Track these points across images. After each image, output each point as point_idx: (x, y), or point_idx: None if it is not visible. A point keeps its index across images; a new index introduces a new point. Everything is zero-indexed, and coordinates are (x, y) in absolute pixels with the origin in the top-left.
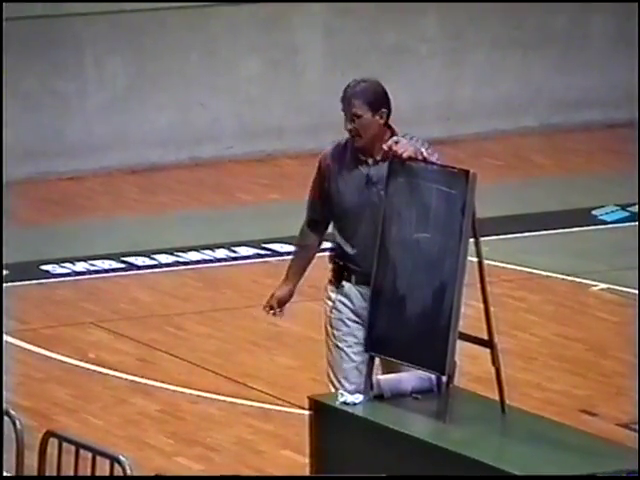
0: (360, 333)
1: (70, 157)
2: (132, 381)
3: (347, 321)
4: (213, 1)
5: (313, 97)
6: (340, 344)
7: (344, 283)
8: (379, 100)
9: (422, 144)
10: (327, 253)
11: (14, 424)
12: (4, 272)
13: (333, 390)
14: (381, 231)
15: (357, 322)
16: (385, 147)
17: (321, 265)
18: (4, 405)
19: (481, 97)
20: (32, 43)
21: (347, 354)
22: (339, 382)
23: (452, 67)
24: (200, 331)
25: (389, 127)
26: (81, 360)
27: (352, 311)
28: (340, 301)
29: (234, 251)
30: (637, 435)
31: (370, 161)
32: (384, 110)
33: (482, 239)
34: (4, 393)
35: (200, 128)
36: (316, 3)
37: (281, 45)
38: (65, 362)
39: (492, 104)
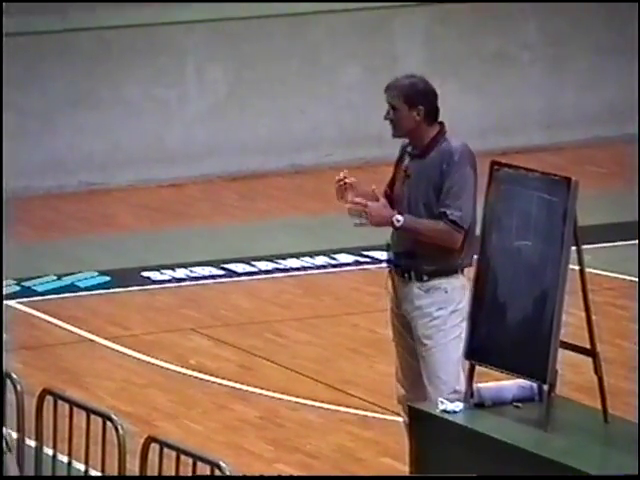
0: (400, 327)
1: (170, 164)
2: (232, 387)
3: (391, 316)
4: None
5: None
6: (391, 334)
7: (389, 276)
8: (416, 96)
9: (461, 152)
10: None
11: (116, 429)
12: (106, 278)
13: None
14: (481, 238)
15: (396, 313)
16: (357, 208)
17: None
18: (106, 410)
19: (583, 104)
20: (134, 51)
21: (396, 346)
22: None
23: (554, 74)
24: (299, 338)
25: (440, 124)
26: (182, 366)
27: (392, 304)
28: (388, 293)
29: (334, 258)
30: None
31: (412, 154)
32: (421, 107)
33: (584, 247)
34: (108, 399)
35: (300, 135)
36: (417, 10)
37: (381, 52)
38: (166, 368)
39: (595, 111)
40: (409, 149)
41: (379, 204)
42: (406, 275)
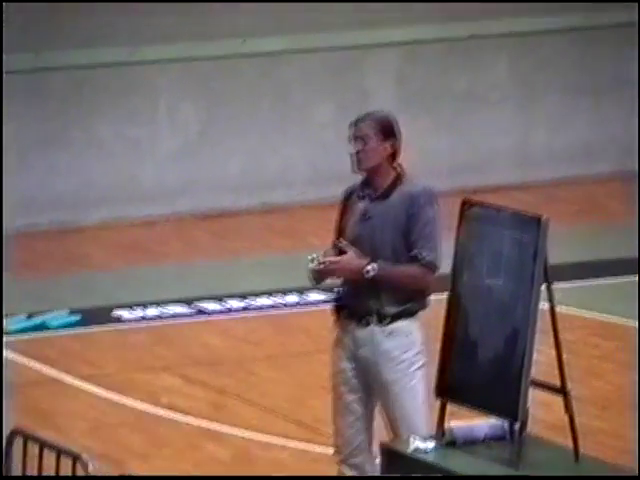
0: (352, 376)
1: (143, 202)
2: (204, 426)
3: (337, 360)
4: None
5: None
6: (332, 382)
7: (337, 319)
8: (388, 129)
9: (425, 194)
10: None
11: (86, 469)
12: (77, 317)
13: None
14: (452, 277)
15: (345, 359)
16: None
17: None
18: (76, 450)
19: (554, 143)
20: (106, 90)
21: (340, 398)
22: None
23: (524, 113)
24: (271, 376)
25: (399, 166)
26: (153, 405)
27: (341, 348)
28: (335, 338)
29: (305, 296)
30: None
31: (370, 196)
32: (391, 142)
33: (555, 285)
34: (80, 439)
35: (271, 174)
36: (387, 48)
37: (353, 90)
38: (137, 407)
39: (565, 150)
40: (363, 192)
41: (348, 256)
42: (364, 319)
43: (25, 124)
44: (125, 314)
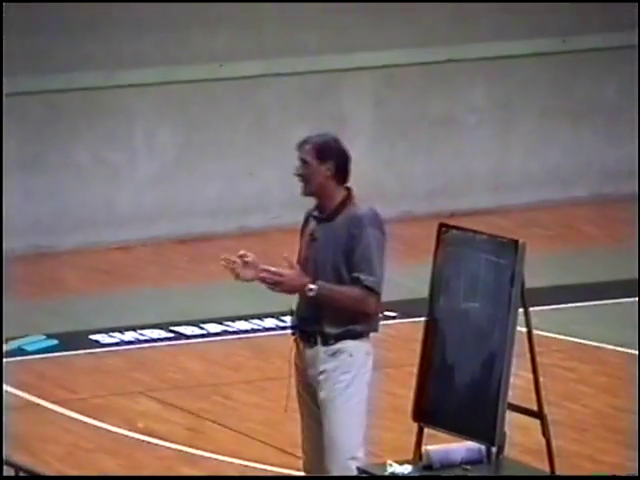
0: (307, 396)
1: (119, 227)
2: (180, 451)
3: (296, 380)
4: None
5: (362, 167)
6: (297, 402)
7: (294, 340)
8: (328, 152)
9: (370, 216)
10: None
11: None
12: (54, 342)
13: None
14: (429, 300)
15: (302, 382)
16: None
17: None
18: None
19: (530, 167)
20: (83, 114)
21: (301, 417)
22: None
23: (501, 137)
24: (249, 401)
25: (348, 190)
26: (130, 430)
27: (297, 368)
28: (293, 360)
29: (282, 320)
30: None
31: (318, 218)
32: (331, 164)
33: (532, 309)
34: (55, 463)
35: (248, 198)
36: (364, 73)
37: (330, 114)
38: (114, 432)
39: (541, 174)
40: (315, 213)
41: (293, 272)
42: (312, 340)
43: (2, 149)
44: (102, 338)
